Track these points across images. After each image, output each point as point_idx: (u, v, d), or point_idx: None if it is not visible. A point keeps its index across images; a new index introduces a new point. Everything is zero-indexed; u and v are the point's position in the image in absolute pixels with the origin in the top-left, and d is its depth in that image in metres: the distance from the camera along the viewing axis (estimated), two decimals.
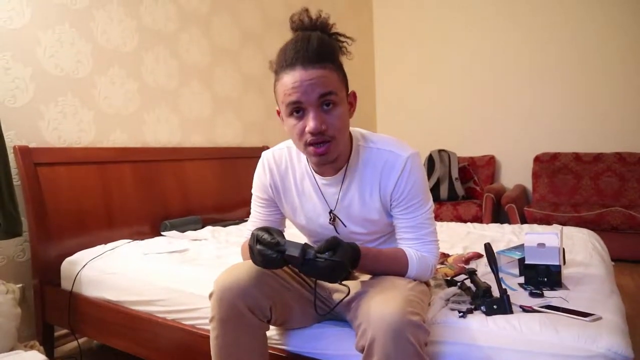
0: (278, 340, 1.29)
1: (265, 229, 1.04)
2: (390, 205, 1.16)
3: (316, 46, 1.01)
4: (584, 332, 1.02)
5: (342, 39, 1.10)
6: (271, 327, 1.21)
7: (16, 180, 1.93)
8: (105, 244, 2.10)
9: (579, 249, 1.86)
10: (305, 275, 1.09)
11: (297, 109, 1.03)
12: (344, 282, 1.05)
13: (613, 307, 1.19)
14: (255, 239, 1.01)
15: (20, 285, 1.95)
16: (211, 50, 3.03)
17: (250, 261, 1.07)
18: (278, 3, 3.61)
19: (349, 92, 1.12)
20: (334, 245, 1.00)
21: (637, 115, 3.90)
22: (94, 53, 2.30)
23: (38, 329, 2.00)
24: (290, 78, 1.01)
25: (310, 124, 1.02)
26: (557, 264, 1.37)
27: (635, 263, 3.32)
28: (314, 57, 1.00)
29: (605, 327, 1.05)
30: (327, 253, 0.98)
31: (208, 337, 1.11)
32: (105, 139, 2.37)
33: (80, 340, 2.00)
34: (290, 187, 1.24)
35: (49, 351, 1.96)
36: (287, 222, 1.37)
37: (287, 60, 1.02)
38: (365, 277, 1.21)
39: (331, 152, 1.07)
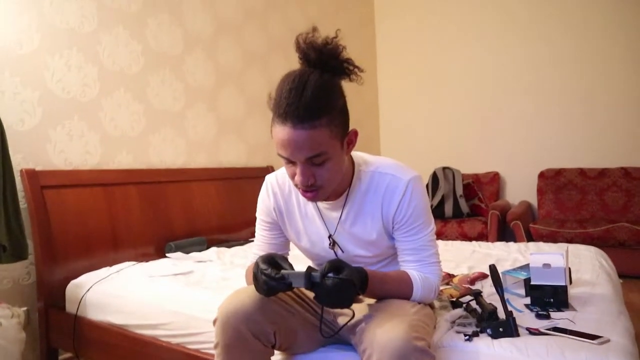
0: None
1: (268, 260, 1.04)
2: (393, 228, 1.17)
3: (310, 99, 0.95)
4: (591, 355, 1.01)
5: (351, 67, 1.05)
6: (276, 352, 1.20)
7: (22, 203, 1.95)
8: (111, 266, 2.10)
9: (586, 267, 1.85)
10: (318, 303, 1.08)
11: (287, 159, 1.03)
12: None
13: (621, 329, 1.17)
14: (259, 271, 1.01)
15: (25, 308, 1.95)
16: (216, 73, 3.07)
17: (254, 286, 1.07)
18: (281, 25, 3.66)
19: (350, 130, 1.08)
20: (337, 266, 1.00)
21: None
22: (101, 76, 2.34)
23: (42, 353, 2.00)
24: (281, 133, 0.98)
25: (297, 178, 1.03)
26: (564, 284, 1.36)
27: None
28: (305, 114, 0.95)
29: (613, 350, 1.03)
30: (331, 273, 0.98)
31: None
32: (111, 161, 2.39)
33: None
34: (294, 211, 1.25)
35: None
36: (292, 245, 1.37)
37: (280, 108, 0.97)
38: (370, 300, 1.21)
39: (319, 197, 1.08)
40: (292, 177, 1.05)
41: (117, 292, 1.80)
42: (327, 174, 1.03)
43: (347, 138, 1.07)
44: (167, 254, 2.39)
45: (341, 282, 0.96)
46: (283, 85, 0.99)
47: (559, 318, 1.27)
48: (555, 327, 1.19)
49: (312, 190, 1.05)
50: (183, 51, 2.82)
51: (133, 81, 2.51)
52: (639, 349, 1.14)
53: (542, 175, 4.18)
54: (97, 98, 2.33)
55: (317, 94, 0.96)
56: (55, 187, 2.05)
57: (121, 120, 2.45)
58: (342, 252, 1.22)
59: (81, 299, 1.85)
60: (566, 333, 1.14)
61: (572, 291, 1.50)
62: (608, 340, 1.09)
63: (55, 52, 2.14)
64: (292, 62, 1.05)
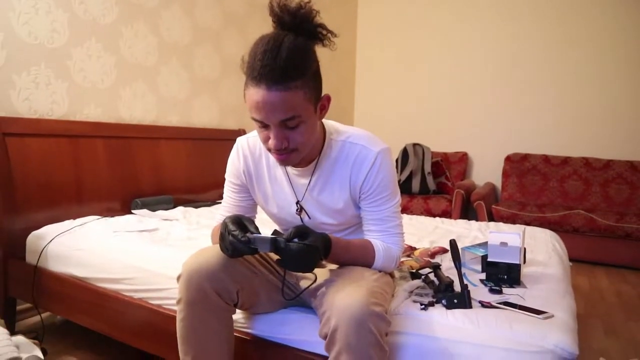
0: (244, 324, 1.31)
1: (237, 221, 1.05)
2: (359, 198, 1.19)
3: (284, 60, 0.94)
4: (535, 329, 1.08)
5: (324, 32, 1.05)
6: (237, 310, 1.23)
7: None
8: (74, 219, 2.07)
9: (540, 249, 1.93)
10: (281, 268, 1.10)
11: (261, 123, 1.03)
12: None
13: (565, 306, 1.25)
14: (227, 231, 1.02)
15: None
16: (192, 30, 2.98)
17: (219, 246, 1.08)
18: None
19: (323, 95, 1.08)
20: (302, 231, 1.02)
21: (604, 122, 4.03)
22: (71, 23, 2.24)
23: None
24: (255, 95, 0.97)
25: (271, 141, 1.02)
26: (517, 262, 1.43)
27: (592, 264, 3.46)
28: (280, 75, 0.94)
29: (556, 325, 1.10)
30: (296, 239, 1.00)
31: (174, 317, 1.12)
32: (79, 112, 2.32)
33: (43, 315, 1.98)
34: (263, 175, 1.26)
35: (10, 325, 1.93)
36: (259, 209, 1.38)
37: (254, 71, 0.96)
38: (332, 266, 1.24)
39: (292, 160, 1.08)
40: (265, 140, 1.05)
41: (80, 245, 1.78)
42: (300, 137, 1.03)
43: (320, 103, 1.07)
44: (132, 211, 2.36)
45: (306, 247, 0.98)
46: (257, 47, 0.98)
47: (510, 294, 1.34)
48: (506, 302, 1.25)
49: (286, 154, 1.05)
50: (159, 5, 2.72)
51: (105, 31, 2.42)
52: (579, 326, 1.22)
53: (508, 158, 4.29)
54: (66, 46, 2.23)
55: (292, 56, 0.95)
56: (19, 135, 1.98)
57: (91, 71, 2.36)
58: (309, 218, 1.24)
59: (42, 250, 1.82)
60: (515, 307, 1.21)
61: (525, 270, 1.58)
62: (552, 316, 1.16)
63: None
64: (271, 25, 1.04)
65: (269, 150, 1.07)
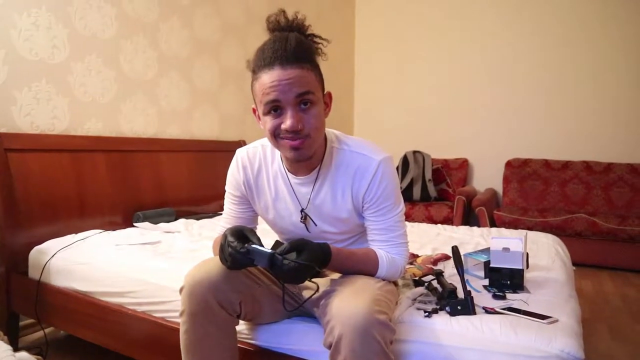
0: (247, 334, 1.31)
1: (237, 233, 1.05)
2: (362, 207, 1.19)
3: (294, 46, 1.02)
4: (540, 333, 1.08)
5: (318, 40, 1.11)
6: (240, 321, 1.23)
7: None
8: (76, 233, 2.07)
9: (543, 253, 1.93)
10: (275, 277, 1.11)
11: (275, 108, 1.04)
12: (313, 280, 1.07)
13: (570, 311, 1.25)
14: (227, 243, 1.03)
15: None
16: (191, 42, 3.00)
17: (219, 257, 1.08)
18: None
19: (325, 92, 1.13)
20: (299, 247, 1.02)
21: (604, 125, 4.04)
22: (71, 39, 2.26)
23: (2, 318, 1.96)
24: (269, 77, 1.01)
25: (287, 122, 1.03)
26: (520, 267, 1.43)
27: (595, 268, 3.45)
28: (292, 57, 1.01)
29: (561, 330, 1.10)
30: (292, 254, 1.00)
31: (178, 330, 1.12)
32: (80, 127, 2.33)
33: (47, 331, 1.97)
34: (264, 186, 1.26)
35: (13, 341, 1.93)
36: (260, 219, 1.38)
37: (265, 59, 1.02)
38: (335, 275, 1.24)
39: (306, 148, 1.07)
40: (277, 127, 1.05)
41: (83, 260, 1.78)
42: (313, 120, 1.05)
43: (324, 97, 1.12)
44: (134, 224, 2.36)
45: (298, 266, 0.98)
46: (265, 45, 1.05)
47: (514, 299, 1.33)
48: (510, 307, 1.25)
49: (300, 139, 1.05)
50: (158, 18, 2.74)
51: (105, 46, 2.44)
52: (584, 330, 1.22)
53: (509, 164, 4.29)
54: (67, 61, 2.25)
55: (300, 44, 1.03)
56: (20, 150, 1.99)
57: (91, 85, 2.38)
58: (316, 225, 1.23)
59: (45, 265, 1.82)
60: (519, 313, 1.20)
61: (528, 275, 1.58)
62: (556, 321, 1.16)
63: (22, 10, 2.05)
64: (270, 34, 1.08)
65: (281, 139, 1.07)
